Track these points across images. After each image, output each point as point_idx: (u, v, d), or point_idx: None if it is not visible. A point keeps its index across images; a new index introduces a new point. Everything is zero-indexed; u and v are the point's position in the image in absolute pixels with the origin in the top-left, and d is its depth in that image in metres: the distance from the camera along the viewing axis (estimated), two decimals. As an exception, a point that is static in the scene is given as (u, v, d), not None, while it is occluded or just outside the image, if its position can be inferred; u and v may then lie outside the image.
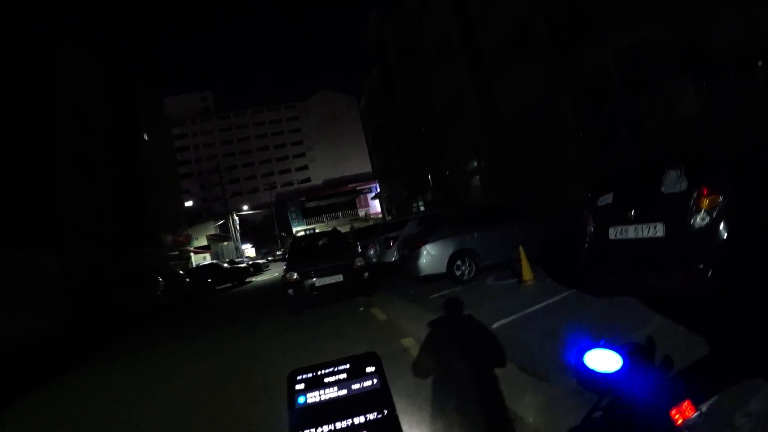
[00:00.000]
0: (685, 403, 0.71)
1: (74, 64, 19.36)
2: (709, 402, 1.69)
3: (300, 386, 0.56)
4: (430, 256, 7.78)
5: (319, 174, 70.42)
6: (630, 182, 3.93)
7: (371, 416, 0.52)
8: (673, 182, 3.36)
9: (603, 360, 0.76)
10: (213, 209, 52.09)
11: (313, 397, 0.55)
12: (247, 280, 21.49)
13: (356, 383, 0.56)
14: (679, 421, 0.69)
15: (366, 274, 8.24)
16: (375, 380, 0.56)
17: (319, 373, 0.58)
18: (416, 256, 7.90)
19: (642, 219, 3.55)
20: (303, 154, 72.26)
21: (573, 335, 3.59)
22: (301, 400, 0.55)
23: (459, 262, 7.71)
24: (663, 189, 3.42)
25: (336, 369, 0.58)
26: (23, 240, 10.49)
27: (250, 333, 7.34)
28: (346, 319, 6.85)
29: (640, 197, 3.69)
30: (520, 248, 6.39)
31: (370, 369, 0.57)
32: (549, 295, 5.11)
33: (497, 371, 3.32)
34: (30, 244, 10.48)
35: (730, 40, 7.23)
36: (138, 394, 4.79)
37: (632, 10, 8.91)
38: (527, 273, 6.18)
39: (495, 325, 4.48)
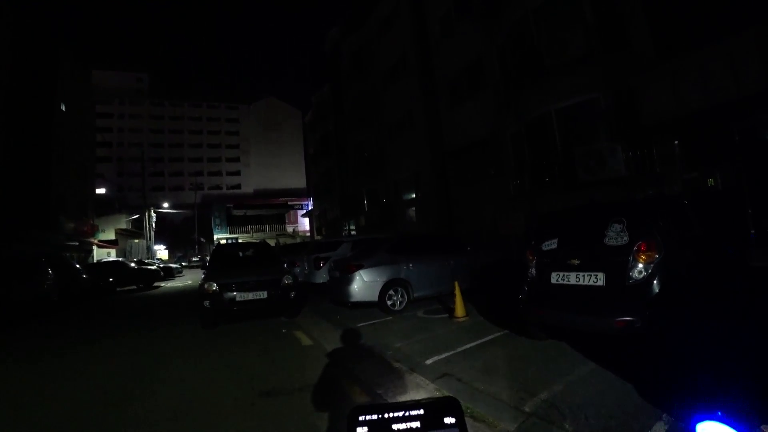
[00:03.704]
0: None
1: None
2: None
3: (362, 430, 0.46)
4: (363, 282, 7.47)
5: (251, 182, 67.55)
6: (574, 230, 4.06)
7: None
8: (616, 235, 3.51)
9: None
10: (128, 201, 47.02)
11: None
12: (156, 284, 19.37)
13: None
14: None
15: (293, 294, 7.70)
16: None
17: (386, 416, 0.47)
18: (349, 280, 7.54)
19: (584, 267, 3.64)
20: (237, 159, 68.90)
21: (512, 378, 3.50)
22: None
23: (392, 292, 7.50)
24: (606, 240, 3.56)
25: (407, 414, 0.47)
26: None
27: (153, 347, 6.36)
28: (267, 340, 6.22)
29: (584, 246, 3.81)
30: (456, 284, 6.36)
31: (449, 420, 0.46)
32: (482, 334, 5.06)
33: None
34: None
35: (658, 113, 8.16)
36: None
37: (577, 73, 9.80)
38: (460, 310, 6.14)
39: (429, 361, 4.29)
